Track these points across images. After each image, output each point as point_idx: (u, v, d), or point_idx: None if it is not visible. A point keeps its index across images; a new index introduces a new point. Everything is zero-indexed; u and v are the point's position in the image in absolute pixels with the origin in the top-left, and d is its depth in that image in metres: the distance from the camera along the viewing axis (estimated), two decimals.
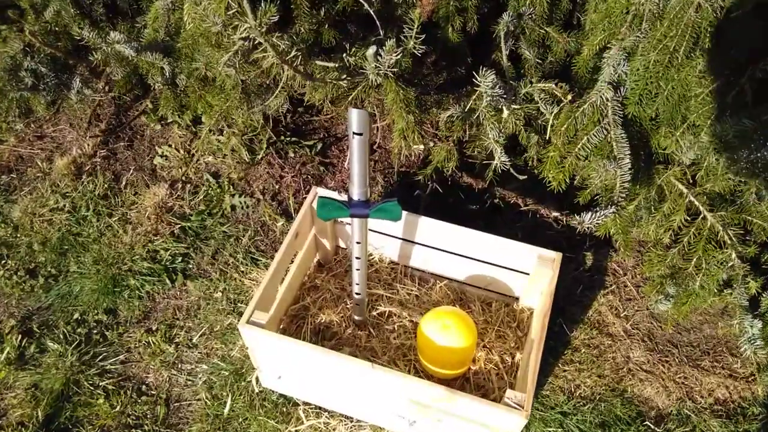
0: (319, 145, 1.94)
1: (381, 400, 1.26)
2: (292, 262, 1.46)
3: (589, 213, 1.05)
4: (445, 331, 1.29)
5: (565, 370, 1.51)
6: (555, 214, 1.80)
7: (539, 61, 1.45)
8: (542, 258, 1.34)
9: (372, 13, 1.29)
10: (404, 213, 1.43)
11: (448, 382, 1.36)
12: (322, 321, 1.47)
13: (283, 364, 1.30)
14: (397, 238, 1.51)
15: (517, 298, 1.51)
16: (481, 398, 1.14)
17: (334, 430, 1.39)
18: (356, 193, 1.12)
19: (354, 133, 1.00)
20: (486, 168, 1.68)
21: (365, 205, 1.13)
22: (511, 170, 1.78)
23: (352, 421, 1.40)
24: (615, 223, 1.12)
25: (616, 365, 1.52)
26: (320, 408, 1.42)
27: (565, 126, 1.16)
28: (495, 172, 1.56)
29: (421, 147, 1.24)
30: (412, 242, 1.50)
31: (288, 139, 1.94)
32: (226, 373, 1.50)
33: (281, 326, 1.45)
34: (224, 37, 1.08)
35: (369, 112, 0.96)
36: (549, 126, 1.17)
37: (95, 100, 2.08)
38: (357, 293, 1.34)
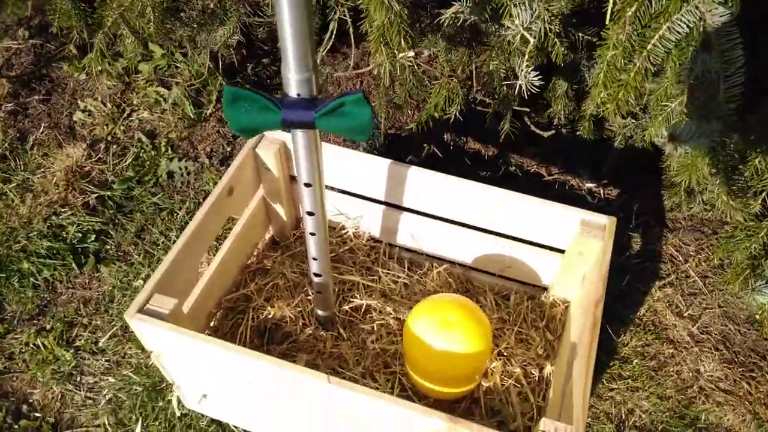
0: None
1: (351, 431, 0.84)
2: (229, 232, 1.04)
3: (684, 127, 0.63)
4: (447, 329, 0.86)
5: (612, 389, 1.08)
6: (589, 185, 1.39)
7: None
8: (587, 225, 0.92)
9: None
10: (390, 163, 1.00)
11: (450, 406, 0.94)
12: (271, 316, 1.04)
13: (207, 377, 0.88)
14: (379, 202, 1.09)
15: (545, 288, 1.09)
16: (498, 430, 0.71)
17: None
18: (293, 82, 0.61)
19: None
20: (499, 122, 1.29)
21: (309, 105, 0.63)
22: (533, 127, 1.38)
23: None
24: (716, 158, 0.71)
25: (682, 382, 1.09)
26: None
27: (633, 8, 0.75)
28: (518, 95, 1.13)
29: (411, 54, 0.82)
30: (400, 208, 1.08)
31: None
32: (139, 389, 1.07)
33: (212, 323, 1.03)
34: None
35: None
36: (609, 11, 0.76)
37: (10, 47, 1.68)
38: (316, 274, 0.91)
